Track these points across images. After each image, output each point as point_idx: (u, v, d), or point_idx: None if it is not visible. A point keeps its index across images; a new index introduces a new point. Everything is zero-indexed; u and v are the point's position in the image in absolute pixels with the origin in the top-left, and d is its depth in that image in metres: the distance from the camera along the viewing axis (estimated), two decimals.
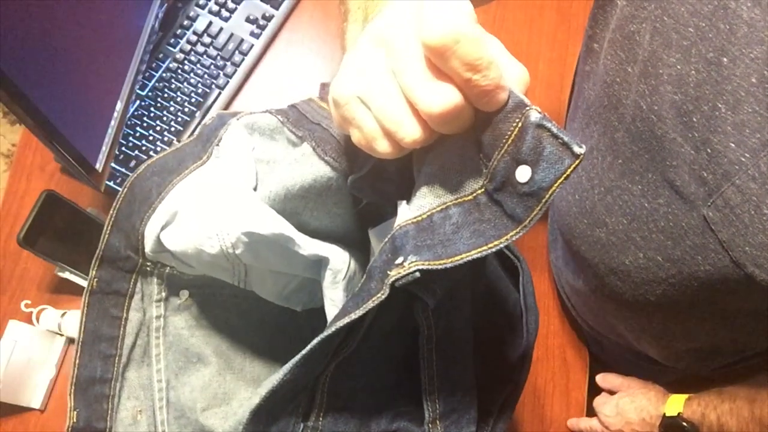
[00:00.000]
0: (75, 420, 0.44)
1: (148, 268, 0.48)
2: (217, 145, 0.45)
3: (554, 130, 0.28)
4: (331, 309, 0.44)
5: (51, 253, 0.73)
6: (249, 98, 0.91)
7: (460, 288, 0.38)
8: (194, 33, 0.91)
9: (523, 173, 0.30)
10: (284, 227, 0.41)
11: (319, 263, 0.44)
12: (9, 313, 0.78)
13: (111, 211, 0.45)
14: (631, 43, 0.52)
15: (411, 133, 0.31)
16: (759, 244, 0.45)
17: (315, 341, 0.34)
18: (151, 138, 0.86)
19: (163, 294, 0.50)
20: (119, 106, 0.80)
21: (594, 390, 0.85)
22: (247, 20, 0.92)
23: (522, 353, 0.46)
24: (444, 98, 0.29)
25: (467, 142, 0.32)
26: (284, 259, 0.43)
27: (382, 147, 0.32)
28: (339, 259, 0.43)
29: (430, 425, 0.39)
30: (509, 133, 0.30)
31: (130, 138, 0.86)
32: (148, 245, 0.45)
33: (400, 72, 0.30)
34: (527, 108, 0.29)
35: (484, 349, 0.42)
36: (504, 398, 0.45)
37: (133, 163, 0.85)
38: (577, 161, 0.28)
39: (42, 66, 0.65)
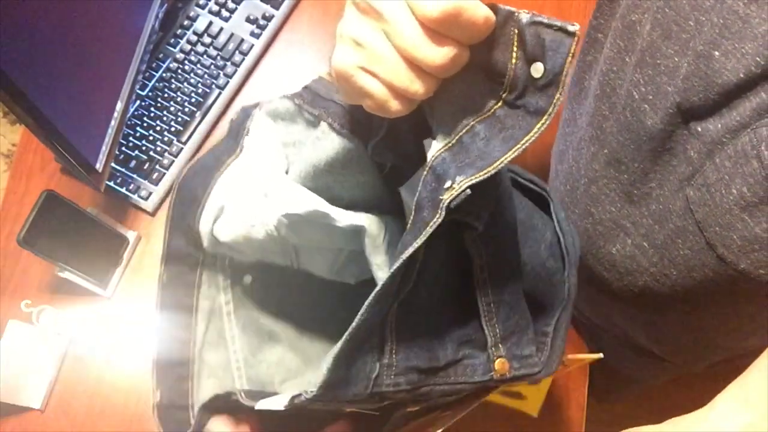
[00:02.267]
0: (159, 399, 0.48)
1: (211, 260, 0.52)
2: (247, 135, 0.48)
3: (546, 21, 0.32)
4: (378, 273, 0.47)
5: (51, 253, 0.73)
6: (249, 98, 0.91)
7: (503, 213, 0.41)
8: (194, 33, 0.91)
9: (537, 69, 0.33)
10: (318, 204, 0.44)
11: (359, 233, 0.46)
12: (9, 313, 0.78)
13: (168, 213, 0.50)
14: (631, 33, 0.52)
15: (420, 87, 0.34)
16: (726, 224, 0.46)
17: (386, 278, 0.36)
18: (151, 138, 0.86)
19: (229, 281, 0.54)
20: (119, 106, 0.80)
21: (594, 390, 0.85)
22: (247, 20, 0.92)
23: (566, 274, 0.48)
24: (445, 53, 0.32)
25: (471, 71, 0.34)
26: (325, 234, 0.47)
27: (395, 107, 0.35)
28: (375, 226, 0.46)
29: (492, 349, 0.42)
30: (511, 41, 0.33)
31: (130, 138, 0.86)
32: (205, 241, 0.49)
33: (396, 35, 0.33)
34: (516, 13, 0.33)
35: (532, 274, 0.45)
36: (557, 318, 0.47)
37: (133, 163, 0.85)
38: (576, 38, 0.32)
39: (42, 66, 0.65)
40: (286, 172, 0.46)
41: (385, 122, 0.40)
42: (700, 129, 0.47)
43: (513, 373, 0.43)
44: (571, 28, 0.32)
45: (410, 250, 0.35)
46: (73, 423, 0.77)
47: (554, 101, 0.33)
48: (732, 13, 0.43)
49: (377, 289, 0.36)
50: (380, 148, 0.42)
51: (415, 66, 0.33)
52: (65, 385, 0.78)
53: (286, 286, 0.55)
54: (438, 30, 0.32)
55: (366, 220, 0.46)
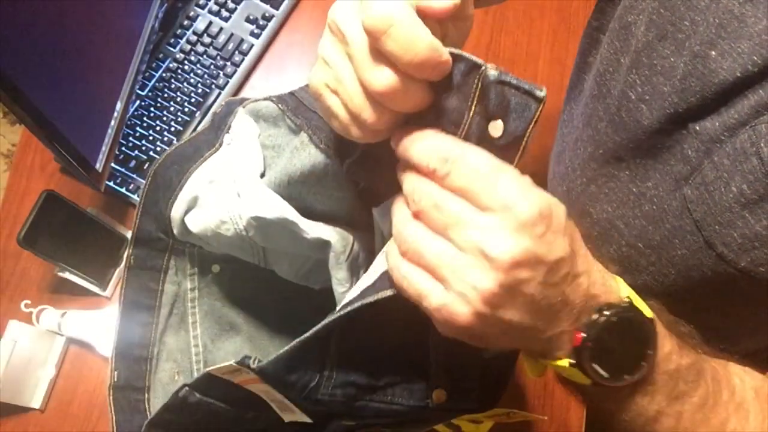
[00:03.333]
0: (116, 379, 0.48)
1: (180, 247, 0.53)
2: (227, 132, 0.48)
3: (514, 82, 0.31)
4: (338, 288, 0.47)
5: (51, 253, 0.73)
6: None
7: None
8: (194, 33, 0.91)
9: (495, 127, 0.32)
10: (288, 212, 0.44)
11: (324, 245, 0.46)
12: (9, 313, 0.78)
13: (139, 199, 0.50)
14: (627, 34, 0.53)
15: (371, 116, 0.33)
16: (726, 222, 0.46)
17: (340, 314, 0.36)
18: (151, 138, 0.86)
19: (196, 268, 0.55)
20: (119, 106, 0.80)
21: None
22: (247, 20, 0.92)
23: None
24: (382, 78, 0.31)
25: (431, 116, 0.33)
26: (291, 242, 0.47)
27: (355, 132, 0.34)
28: (341, 242, 0.46)
29: (434, 377, 0.42)
30: (472, 94, 0.32)
31: (130, 138, 0.86)
32: (175, 228, 0.50)
33: (351, 57, 0.32)
34: (483, 68, 0.31)
35: None
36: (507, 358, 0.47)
37: (133, 163, 0.85)
38: (542, 104, 0.31)
39: (42, 66, 0.65)
40: (262, 175, 0.47)
41: (359, 144, 0.40)
42: (698, 128, 0.48)
43: (450, 404, 0.42)
44: (539, 93, 0.30)
45: (369, 300, 0.36)
46: (73, 423, 0.77)
47: (513, 164, 0.32)
48: (728, 13, 0.44)
49: (330, 318, 0.37)
50: (354, 168, 0.42)
51: (368, 92, 0.32)
52: (65, 385, 0.78)
53: (253, 281, 0.56)
54: (376, 47, 0.31)
55: (333, 234, 0.46)
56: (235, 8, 0.92)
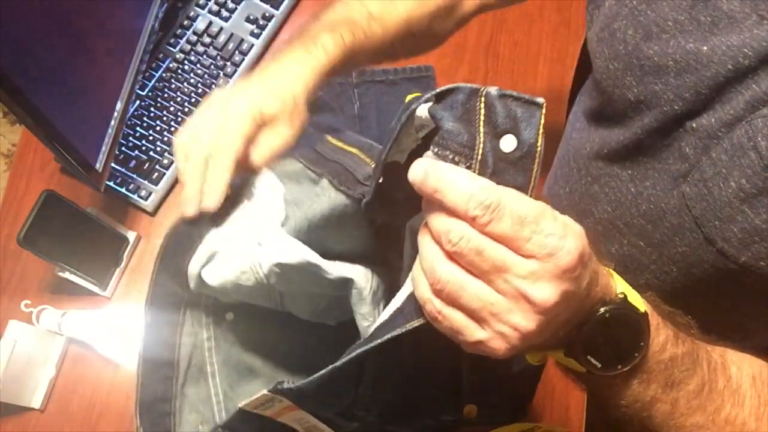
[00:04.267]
0: None
1: (195, 299, 0.53)
2: (253, 188, 0.50)
3: (515, 94, 0.32)
4: (363, 322, 0.48)
5: (51, 253, 0.73)
6: None
7: None
8: (194, 33, 0.91)
9: (507, 142, 0.32)
10: (310, 256, 0.46)
11: (346, 283, 0.47)
12: (9, 313, 0.78)
13: (158, 253, 0.50)
14: (613, 40, 0.54)
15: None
16: (726, 217, 0.46)
17: (370, 346, 0.37)
18: (151, 138, 0.86)
19: (211, 318, 0.55)
20: (119, 106, 0.80)
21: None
22: (247, 20, 0.92)
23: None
24: None
25: (445, 145, 0.35)
26: (314, 283, 0.48)
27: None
28: (362, 278, 0.48)
29: (467, 395, 0.43)
30: (478, 116, 0.33)
31: (130, 138, 0.86)
32: (192, 282, 0.50)
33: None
34: (482, 88, 0.32)
35: None
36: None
37: (133, 163, 0.85)
38: (544, 108, 0.32)
39: (42, 66, 0.65)
40: (282, 225, 0.48)
41: (373, 184, 0.42)
42: (694, 125, 0.48)
43: (479, 419, 0.44)
44: (539, 100, 0.32)
45: (398, 332, 0.36)
46: (73, 423, 0.77)
47: (533, 174, 0.33)
48: (717, 10, 0.45)
49: (362, 349, 0.37)
50: (371, 207, 0.43)
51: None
52: (65, 385, 0.78)
53: (267, 323, 0.57)
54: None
55: (354, 272, 0.47)
56: (235, 8, 0.92)
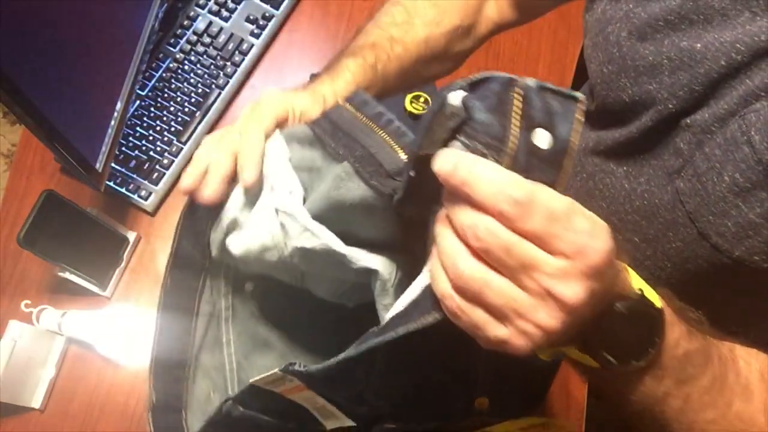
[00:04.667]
0: (155, 400, 0.48)
1: (216, 267, 0.53)
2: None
3: (554, 87, 0.31)
4: (383, 312, 0.47)
5: (51, 253, 0.73)
6: (249, 99, 0.91)
7: None
8: (194, 33, 0.91)
9: (541, 137, 0.31)
10: (335, 243, 0.44)
11: (369, 272, 0.46)
12: (9, 313, 0.78)
13: (180, 219, 0.49)
14: (606, 44, 0.54)
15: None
16: (720, 212, 0.46)
17: (381, 342, 0.37)
18: (151, 138, 0.86)
19: (230, 287, 0.54)
20: (119, 106, 0.80)
21: (594, 389, 0.85)
22: (247, 20, 0.92)
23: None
24: None
25: (474, 135, 0.33)
26: (336, 269, 0.46)
27: None
28: (387, 269, 0.46)
29: (479, 386, 0.42)
30: (513, 108, 0.31)
31: (130, 138, 0.86)
32: (214, 249, 0.50)
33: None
34: (519, 79, 0.31)
35: None
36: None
37: (133, 163, 0.85)
38: (582, 104, 0.31)
39: (42, 66, 0.65)
40: (304, 200, 0.47)
41: (404, 180, 0.40)
42: (689, 121, 0.48)
43: (491, 410, 0.43)
44: (577, 95, 0.31)
45: (413, 326, 0.35)
46: (73, 423, 0.77)
47: (564, 171, 0.32)
48: (709, 8, 0.46)
49: (375, 341, 0.37)
50: (403, 204, 0.42)
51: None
52: (65, 385, 0.78)
53: (286, 297, 0.56)
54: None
55: (379, 263, 0.46)
56: (235, 8, 0.92)
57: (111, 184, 0.84)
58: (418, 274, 0.50)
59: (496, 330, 0.33)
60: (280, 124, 0.50)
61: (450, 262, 0.33)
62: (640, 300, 0.37)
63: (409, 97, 0.91)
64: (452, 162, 0.32)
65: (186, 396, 0.51)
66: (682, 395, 0.41)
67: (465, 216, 0.32)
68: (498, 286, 0.32)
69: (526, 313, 0.32)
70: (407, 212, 0.43)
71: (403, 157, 0.42)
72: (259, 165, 0.47)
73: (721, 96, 0.46)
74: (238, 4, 0.93)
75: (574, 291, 0.31)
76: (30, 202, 0.77)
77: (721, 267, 0.49)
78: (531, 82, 0.31)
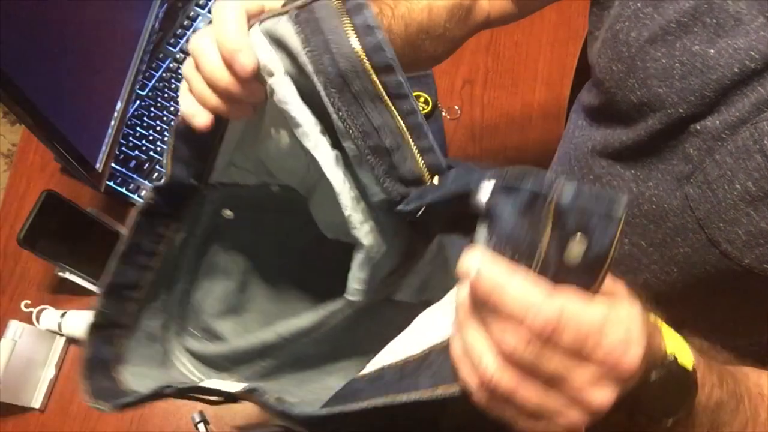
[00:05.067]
0: (101, 317, 0.47)
1: (203, 194, 0.50)
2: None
3: (589, 201, 0.28)
4: (352, 283, 0.46)
5: (51, 253, 0.73)
6: None
7: None
8: (194, 33, 0.91)
9: (575, 248, 0.29)
10: (344, 196, 0.42)
11: (358, 245, 0.45)
12: (9, 313, 0.78)
13: (168, 147, 0.48)
14: (615, 42, 0.53)
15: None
16: (731, 219, 0.46)
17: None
18: (151, 138, 0.86)
19: (207, 217, 0.52)
20: (119, 106, 0.80)
21: None
22: None
23: None
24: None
25: (504, 246, 0.31)
26: (338, 213, 0.43)
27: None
28: (375, 249, 0.45)
29: None
30: (544, 221, 0.29)
31: (130, 138, 0.86)
32: (221, 158, 0.48)
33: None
34: (553, 192, 0.28)
35: None
36: None
37: (133, 163, 0.85)
38: (622, 221, 0.28)
39: (42, 66, 0.65)
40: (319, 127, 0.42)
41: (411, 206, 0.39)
42: (698, 127, 0.48)
43: None
44: (617, 214, 0.28)
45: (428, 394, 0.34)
46: (73, 423, 0.77)
47: (599, 277, 0.30)
48: (723, 12, 0.45)
49: (372, 405, 0.35)
50: (404, 215, 0.40)
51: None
52: (65, 385, 0.78)
53: (263, 233, 0.55)
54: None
55: (371, 240, 0.44)
56: None
57: (111, 184, 0.84)
58: (404, 269, 0.48)
59: (525, 422, 0.32)
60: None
61: (476, 359, 0.32)
62: (673, 367, 0.36)
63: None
64: (477, 270, 0.31)
65: (136, 316, 0.49)
66: None
67: (492, 320, 0.31)
68: (527, 392, 0.31)
69: (557, 416, 0.31)
70: (408, 218, 0.42)
71: (424, 173, 0.38)
72: (250, 45, 0.40)
73: (733, 103, 0.45)
74: None
75: (604, 396, 0.30)
76: (30, 202, 0.77)
77: (729, 274, 0.49)
78: (567, 195, 0.28)
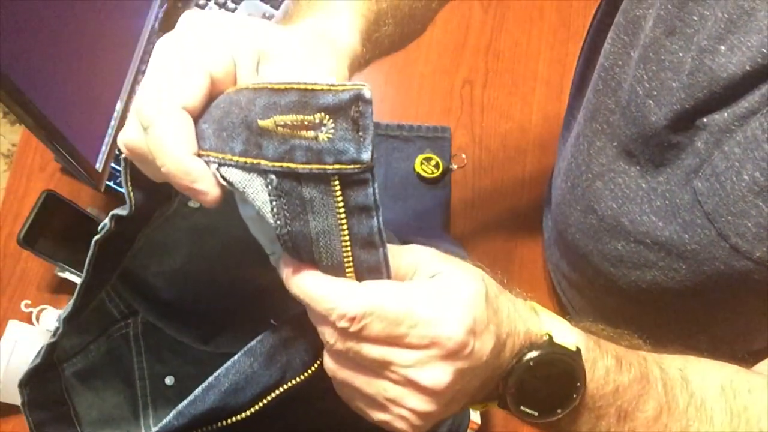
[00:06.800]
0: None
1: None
2: None
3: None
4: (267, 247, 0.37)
5: (51, 253, 0.73)
6: None
7: None
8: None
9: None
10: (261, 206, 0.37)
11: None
12: (9, 313, 0.78)
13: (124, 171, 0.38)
14: (635, 28, 0.52)
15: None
16: (740, 212, 0.46)
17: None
18: None
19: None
20: (119, 106, 0.80)
21: None
22: None
23: None
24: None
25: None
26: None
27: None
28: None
29: None
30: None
31: None
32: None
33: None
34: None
35: None
36: None
37: None
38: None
39: (42, 66, 0.65)
40: None
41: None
42: (706, 120, 0.47)
43: None
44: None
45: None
46: None
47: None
48: (737, 8, 0.43)
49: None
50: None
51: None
52: None
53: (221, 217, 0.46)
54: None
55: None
56: (235, 8, 0.92)
57: (111, 184, 0.83)
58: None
59: (376, 415, 0.34)
60: (218, 86, 0.32)
61: (326, 359, 0.34)
62: (549, 347, 0.35)
63: (420, 158, 0.87)
64: (285, 276, 0.32)
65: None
66: (628, 430, 0.39)
67: (314, 320, 0.33)
68: (363, 382, 0.33)
69: (397, 401, 0.32)
70: None
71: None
72: (203, 172, 0.31)
73: (743, 96, 0.45)
74: (238, 4, 0.93)
75: (435, 376, 0.31)
76: (30, 202, 0.77)
77: (740, 269, 0.48)
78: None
